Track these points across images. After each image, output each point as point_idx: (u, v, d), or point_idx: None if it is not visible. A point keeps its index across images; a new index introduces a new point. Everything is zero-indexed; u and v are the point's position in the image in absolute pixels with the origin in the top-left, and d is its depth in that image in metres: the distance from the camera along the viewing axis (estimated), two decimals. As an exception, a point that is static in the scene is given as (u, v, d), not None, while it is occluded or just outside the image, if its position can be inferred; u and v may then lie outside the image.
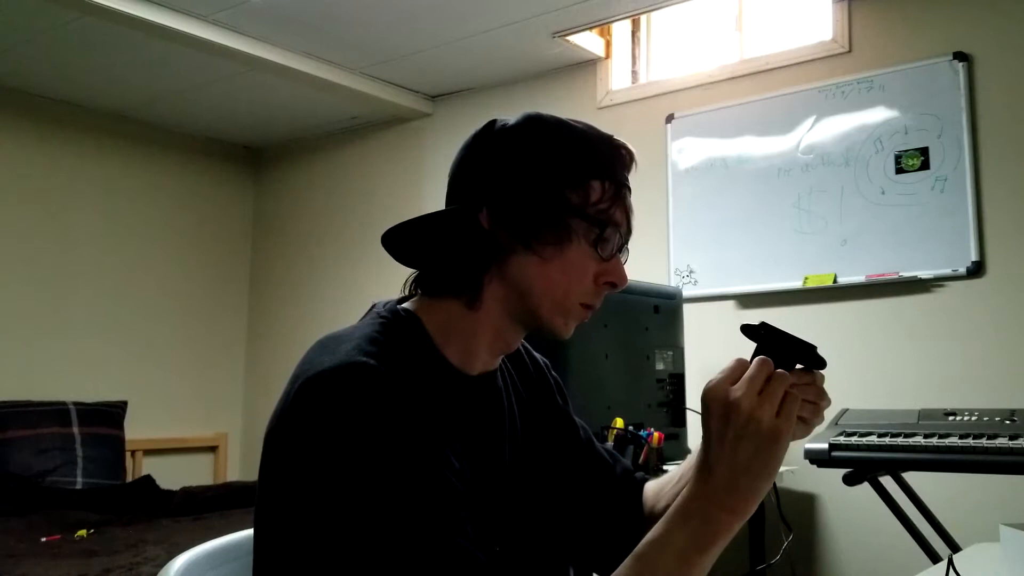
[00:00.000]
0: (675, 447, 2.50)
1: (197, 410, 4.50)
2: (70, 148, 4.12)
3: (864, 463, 2.00)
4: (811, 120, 3.06)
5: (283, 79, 3.71)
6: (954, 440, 1.88)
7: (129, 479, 3.80)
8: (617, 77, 3.62)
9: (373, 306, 0.97)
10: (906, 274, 2.81)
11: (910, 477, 2.29)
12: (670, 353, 2.60)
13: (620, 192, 0.93)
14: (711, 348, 2.88)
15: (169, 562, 0.99)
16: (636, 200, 0.96)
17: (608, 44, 3.62)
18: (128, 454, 3.94)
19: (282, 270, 4.67)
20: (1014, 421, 1.97)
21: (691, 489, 0.78)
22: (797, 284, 3.01)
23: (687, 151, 3.33)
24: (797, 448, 2.03)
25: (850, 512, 2.84)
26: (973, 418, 2.03)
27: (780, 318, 2.71)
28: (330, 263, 4.45)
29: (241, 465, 4.62)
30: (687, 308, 2.80)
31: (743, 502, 0.77)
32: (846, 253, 2.93)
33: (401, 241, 0.95)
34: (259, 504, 0.86)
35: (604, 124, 1.00)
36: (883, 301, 2.87)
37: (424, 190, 4.09)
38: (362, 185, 4.38)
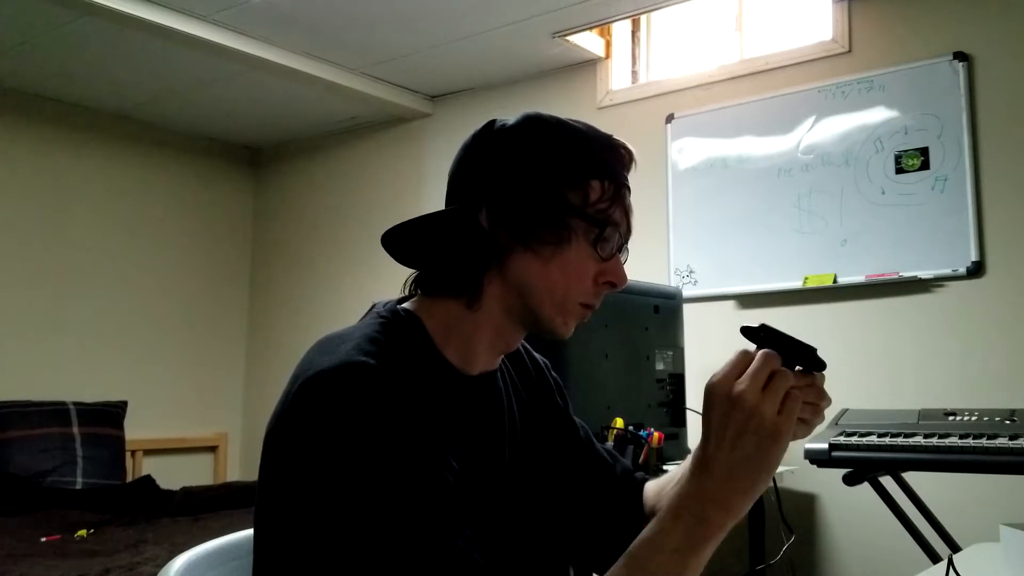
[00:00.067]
0: (675, 447, 2.50)
1: (197, 410, 4.50)
2: (70, 148, 4.12)
3: (864, 463, 2.00)
4: (811, 120, 3.06)
5: (283, 79, 3.71)
6: (954, 440, 1.88)
7: (129, 479, 3.80)
8: (617, 77, 3.62)
9: (373, 306, 0.97)
10: (906, 274, 2.81)
11: (910, 477, 2.29)
12: (670, 353, 2.60)
13: (620, 192, 0.93)
14: (711, 348, 2.88)
15: (169, 562, 0.99)
16: (636, 200, 0.96)
17: (608, 44, 3.62)
18: (128, 454, 3.94)
19: (282, 270, 4.67)
20: (1014, 421, 1.97)
21: (685, 486, 0.78)
22: (797, 284, 3.01)
23: (687, 151, 3.33)
24: (797, 448, 2.03)
25: (850, 512, 2.84)
26: (973, 418, 2.03)
27: (780, 318, 2.72)
28: (330, 263, 4.45)
29: (241, 465, 4.62)
30: (687, 308, 2.80)
31: (739, 499, 0.76)
32: (846, 253, 2.93)
33: (401, 241, 0.95)
34: (259, 504, 0.86)
35: (604, 124, 1.00)
36: (883, 301, 2.87)
37: (424, 190, 4.09)
38: (362, 185, 4.38)
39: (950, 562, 1.13)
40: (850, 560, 2.85)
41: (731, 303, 3.18)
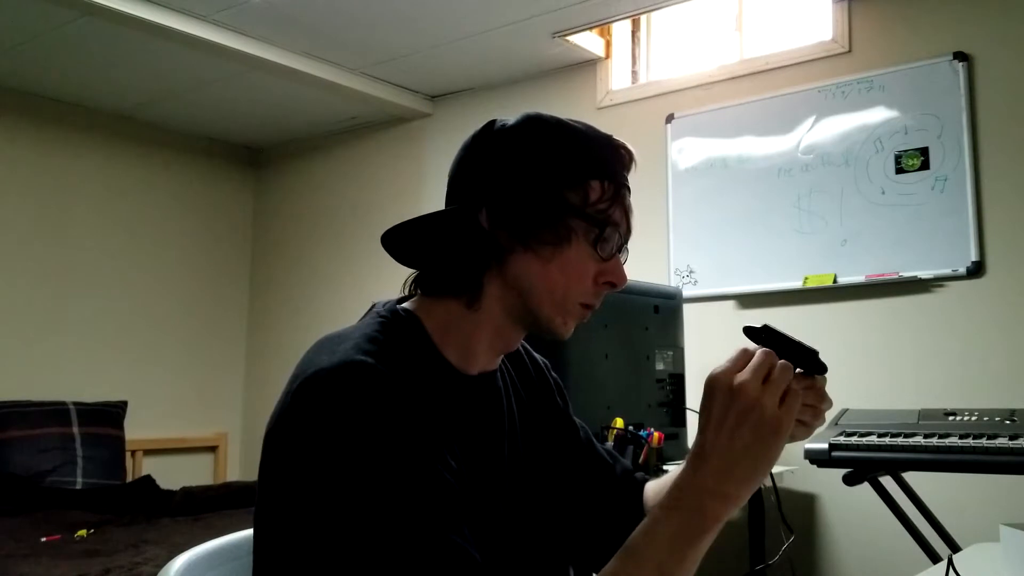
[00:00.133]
0: (675, 447, 2.50)
1: (197, 410, 4.50)
2: (70, 148, 4.12)
3: (864, 463, 2.00)
4: (811, 120, 3.06)
5: (283, 79, 3.71)
6: (954, 440, 1.88)
7: (129, 479, 3.80)
8: (617, 77, 3.62)
9: (373, 306, 0.97)
10: (906, 274, 2.81)
11: (910, 477, 2.29)
12: (670, 353, 2.60)
13: (619, 192, 0.93)
14: (711, 348, 2.88)
15: (169, 562, 0.99)
16: (636, 200, 0.96)
17: (608, 44, 3.62)
18: (128, 454, 3.94)
19: (282, 270, 4.67)
20: (1014, 421, 1.97)
21: (682, 477, 0.78)
22: (797, 284, 3.01)
23: (687, 151, 3.33)
24: (797, 448, 2.04)
25: (850, 512, 2.84)
26: (973, 418, 2.03)
27: (780, 318, 2.72)
28: (330, 263, 4.45)
29: (241, 465, 4.62)
30: (687, 308, 2.80)
31: (736, 490, 0.76)
32: (846, 253, 2.93)
33: (401, 241, 0.95)
34: (259, 504, 0.86)
35: (604, 124, 1.00)
36: (883, 301, 2.87)
37: (424, 190, 4.09)
38: (362, 185, 4.38)
39: (950, 562, 1.13)
40: (850, 560, 2.85)
41: (731, 303, 3.18)
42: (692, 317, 2.89)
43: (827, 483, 2.85)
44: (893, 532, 2.25)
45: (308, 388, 0.82)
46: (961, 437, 1.89)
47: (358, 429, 0.78)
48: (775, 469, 2.29)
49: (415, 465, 0.78)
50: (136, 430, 4.04)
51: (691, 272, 3.26)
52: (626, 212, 0.94)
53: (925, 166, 2.81)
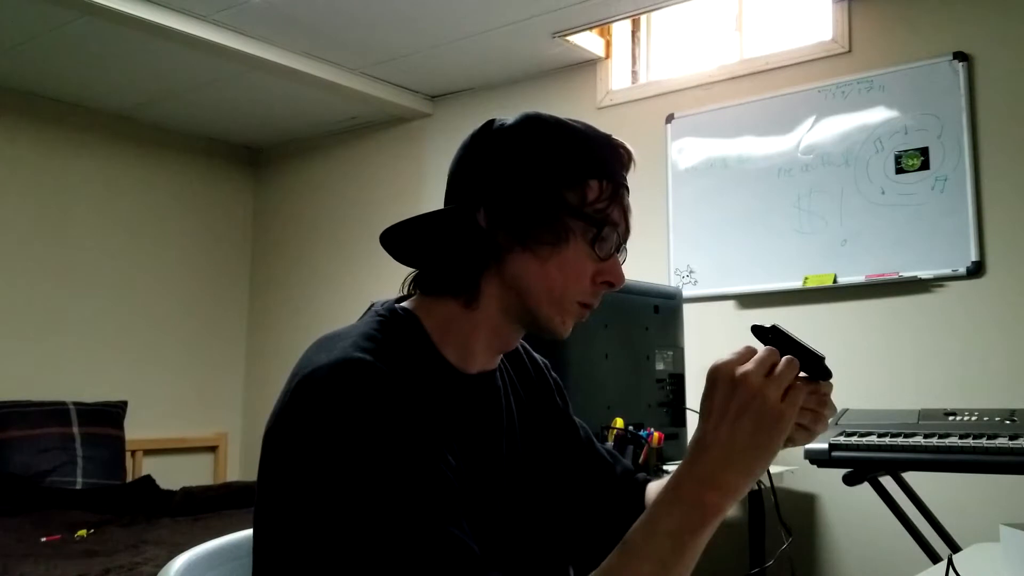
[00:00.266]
0: (675, 447, 2.50)
1: (197, 410, 4.50)
2: (70, 148, 4.12)
3: (864, 463, 2.00)
4: (811, 120, 3.06)
5: (283, 79, 3.71)
6: (954, 440, 1.88)
7: (129, 479, 3.80)
8: (617, 77, 3.62)
9: (372, 305, 0.98)
10: (906, 274, 2.81)
11: (910, 477, 2.29)
12: (670, 353, 2.60)
13: (618, 192, 0.93)
14: (711, 348, 2.87)
15: (169, 562, 0.99)
16: (636, 200, 0.96)
17: (608, 44, 3.62)
18: (128, 454, 3.94)
19: (282, 270, 4.67)
20: (1014, 421, 1.97)
21: (682, 470, 0.77)
22: (797, 284, 3.01)
23: (687, 151, 3.33)
24: (797, 448, 2.04)
25: (850, 512, 2.84)
26: (973, 418, 2.03)
27: (780, 318, 2.71)
28: (330, 263, 4.45)
29: (241, 465, 4.62)
30: (687, 308, 2.80)
31: (736, 481, 0.75)
32: (846, 253, 2.93)
33: (399, 240, 0.95)
34: (258, 502, 0.86)
35: (604, 124, 1.00)
36: (883, 301, 2.87)
37: (424, 190, 4.09)
38: (362, 185, 4.38)
39: (950, 562, 1.13)
40: (850, 560, 2.85)
41: (731, 303, 3.18)
42: (692, 317, 2.89)
43: (827, 483, 2.85)
44: (893, 532, 2.25)
45: (306, 386, 0.82)
46: (961, 437, 1.89)
47: (356, 426, 0.78)
48: (774, 469, 2.29)
49: (414, 460, 0.78)
50: (136, 430, 4.04)
51: (691, 272, 3.26)
52: (624, 212, 0.94)
53: (925, 166, 2.81)
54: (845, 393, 2.55)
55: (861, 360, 2.87)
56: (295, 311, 4.56)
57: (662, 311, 2.58)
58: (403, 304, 0.96)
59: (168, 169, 4.49)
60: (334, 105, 4.07)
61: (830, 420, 0.86)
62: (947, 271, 2.75)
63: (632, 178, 0.97)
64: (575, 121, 0.95)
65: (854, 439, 2.00)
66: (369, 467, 0.77)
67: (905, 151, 2.86)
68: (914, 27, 2.91)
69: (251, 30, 3.38)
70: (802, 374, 0.79)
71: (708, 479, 0.75)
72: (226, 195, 4.75)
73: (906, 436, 1.96)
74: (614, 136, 0.96)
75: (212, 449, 4.54)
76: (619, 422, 2.27)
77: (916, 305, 2.81)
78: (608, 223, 0.92)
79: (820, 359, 0.79)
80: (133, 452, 4.07)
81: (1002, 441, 1.83)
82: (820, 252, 2.98)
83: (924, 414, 2.12)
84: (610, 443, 2.23)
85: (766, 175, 3.13)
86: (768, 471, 0.82)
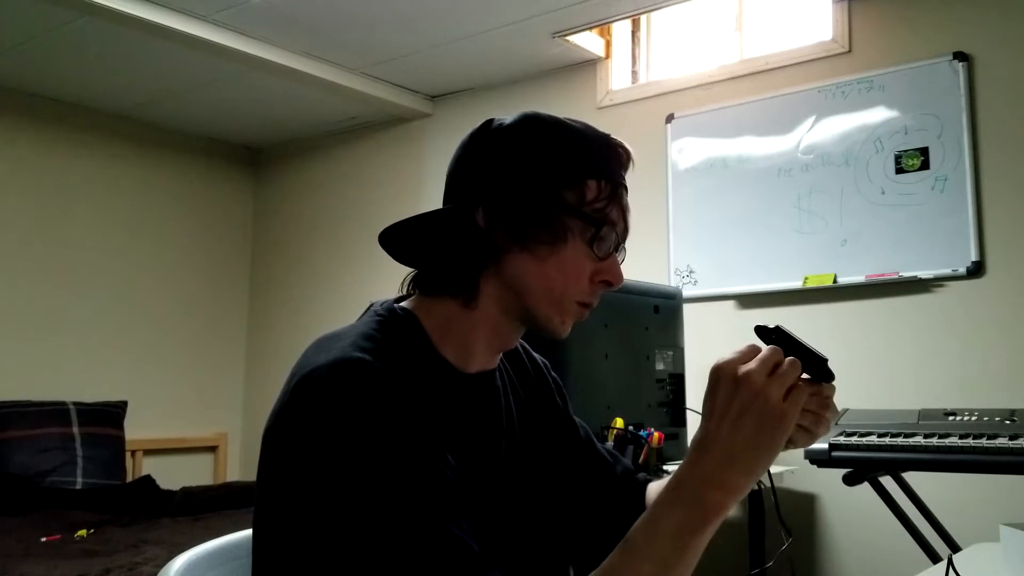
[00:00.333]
0: (675, 447, 2.50)
1: (197, 410, 4.50)
2: (70, 148, 4.12)
3: (864, 463, 2.00)
4: (811, 120, 3.06)
5: (283, 79, 3.71)
6: (954, 440, 1.88)
7: (129, 479, 3.80)
8: (617, 77, 3.62)
9: (371, 305, 0.98)
10: (906, 274, 2.81)
11: (910, 477, 2.29)
12: (670, 353, 2.60)
13: (616, 191, 0.93)
14: (711, 348, 2.88)
15: (169, 562, 0.99)
16: (636, 200, 0.96)
17: (608, 44, 3.62)
18: (128, 454, 3.94)
19: (282, 270, 4.67)
20: (1014, 421, 1.97)
21: (683, 469, 0.77)
22: (797, 284, 3.01)
23: (687, 151, 3.33)
24: (797, 448, 2.03)
25: (850, 512, 2.84)
26: (973, 418, 2.03)
27: (780, 318, 2.71)
28: (330, 263, 4.45)
29: (241, 465, 4.62)
30: (687, 308, 2.80)
31: (737, 480, 0.75)
32: (846, 253, 2.93)
33: (398, 240, 0.95)
34: (258, 502, 0.86)
35: (604, 124, 0.99)
36: (883, 301, 2.87)
37: (424, 190, 4.09)
38: (362, 185, 4.38)
39: (950, 562, 1.13)
40: (850, 560, 2.85)
41: (731, 303, 3.18)
42: (692, 317, 2.89)
43: (827, 483, 2.85)
44: (893, 532, 2.25)
45: (305, 386, 0.82)
46: (961, 437, 1.89)
47: (356, 425, 0.78)
48: (774, 469, 2.29)
49: (413, 460, 0.78)
50: (136, 430, 4.04)
51: (691, 272, 3.26)
52: (623, 211, 0.94)
53: (925, 166, 2.81)
54: (845, 393, 2.55)
55: (861, 360, 2.87)
56: (295, 311, 4.56)
57: (662, 311, 2.58)
58: (402, 304, 0.96)
59: (168, 169, 4.49)
60: (334, 105, 4.07)
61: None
62: (947, 271, 2.75)
63: (632, 178, 0.97)
64: (574, 121, 0.95)
65: (854, 439, 2.00)
66: (368, 466, 0.77)
67: (905, 151, 2.86)
68: (914, 27, 2.91)
69: (251, 30, 3.38)
70: (804, 376, 0.78)
71: (710, 478, 0.75)
72: (226, 195, 4.75)
73: (906, 436, 1.96)
74: (613, 136, 0.96)
75: (212, 449, 4.54)
76: (619, 422, 2.27)
77: (916, 305, 2.81)
78: (607, 222, 0.91)
79: (823, 361, 0.79)
80: (133, 452, 4.07)
81: (1002, 441, 1.83)
82: (820, 252, 2.98)
83: (924, 414, 2.12)
84: (610, 443, 2.23)
85: (766, 175, 3.13)
86: (768, 471, 0.82)
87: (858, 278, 2.90)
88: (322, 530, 0.78)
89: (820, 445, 2.02)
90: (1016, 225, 2.67)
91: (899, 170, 2.86)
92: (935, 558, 2.15)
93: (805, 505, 2.93)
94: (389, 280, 1.13)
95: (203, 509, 3.24)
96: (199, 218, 4.61)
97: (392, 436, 0.78)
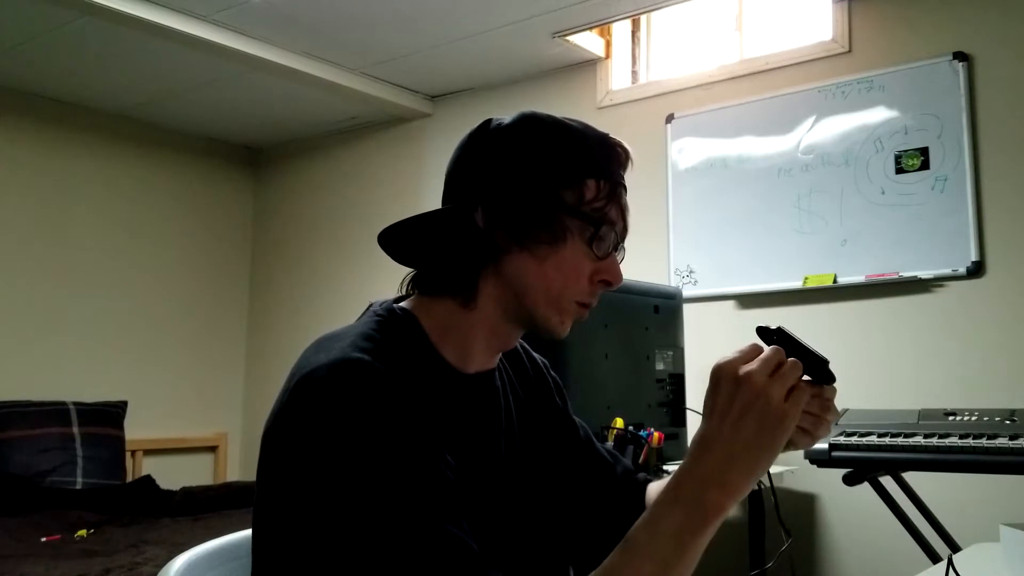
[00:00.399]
0: (675, 447, 2.50)
1: (197, 410, 4.50)
2: (70, 148, 4.12)
3: (864, 463, 2.00)
4: (811, 120, 3.06)
5: (283, 79, 3.71)
6: (954, 440, 1.88)
7: (129, 479, 3.80)
8: (617, 77, 3.62)
9: (370, 305, 0.98)
10: (906, 274, 2.81)
11: (910, 477, 2.29)
12: (670, 353, 2.60)
13: (615, 191, 0.93)
14: (711, 348, 2.88)
15: (169, 562, 0.99)
16: (636, 200, 0.96)
17: (608, 44, 3.62)
18: (128, 454, 3.94)
19: (282, 270, 4.67)
20: (1014, 421, 1.96)
21: (684, 468, 0.77)
22: (797, 284, 3.01)
23: (687, 151, 3.33)
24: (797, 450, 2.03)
25: (850, 512, 2.84)
26: (973, 418, 2.03)
27: (780, 318, 2.72)
28: (330, 263, 4.45)
29: (241, 465, 4.62)
30: (687, 308, 2.80)
31: (738, 480, 0.74)
32: (846, 253, 2.93)
33: (397, 240, 0.95)
34: (257, 503, 0.86)
35: (604, 124, 0.99)
36: (883, 301, 2.87)
37: (424, 190, 4.09)
38: (362, 185, 4.38)
39: (950, 562, 1.13)
40: (850, 560, 2.85)
41: (731, 303, 3.18)
42: (692, 317, 2.89)
43: (827, 483, 2.85)
44: (893, 532, 2.25)
45: (305, 386, 0.82)
46: (961, 437, 1.89)
47: (355, 426, 0.78)
48: (774, 469, 2.30)
49: (412, 460, 0.78)
50: (136, 430, 4.04)
51: (691, 272, 3.26)
52: (622, 211, 0.94)
53: (925, 166, 2.81)
54: (845, 393, 2.55)
55: (861, 360, 2.87)
56: (295, 311, 4.56)
57: (662, 311, 2.58)
58: (401, 304, 0.96)
59: (168, 169, 4.49)
60: (334, 105, 4.07)
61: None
62: (947, 271, 2.75)
63: (632, 178, 0.96)
64: (572, 120, 0.95)
65: (854, 439, 2.00)
66: (368, 467, 0.77)
67: (905, 151, 2.86)
68: (914, 27, 2.91)
69: (251, 30, 3.38)
70: (805, 377, 0.78)
71: (710, 479, 0.75)
72: (226, 195, 4.75)
73: (906, 436, 1.96)
74: (612, 135, 0.96)
75: (212, 449, 4.54)
76: (619, 422, 2.27)
77: (916, 305, 2.81)
78: (606, 222, 0.91)
79: (824, 363, 0.79)
80: (133, 452, 4.07)
81: (1002, 441, 1.83)
82: (820, 252, 2.98)
83: (924, 414, 2.12)
84: (610, 443, 2.23)
85: (766, 175, 3.13)
86: (768, 471, 0.82)
87: (858, 278, 2.89)
88: (322, 530, 0.78)
89: (820, 445, 2.02)
90: (1016, 225, 2.67)
91: (899, 170, 2.86)
92: (935, 558, 2.15)
93: (805, 505, 2.93)
94: (389, 280, 1.13)
95: (203, 509, 3.25)
96: (199, 218, 4.61)
97: (391, 436, 0.78)
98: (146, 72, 3.72)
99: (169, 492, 3.44)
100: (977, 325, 2.70)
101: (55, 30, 3.28)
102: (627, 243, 0.97)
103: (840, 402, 0.87)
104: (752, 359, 0.76)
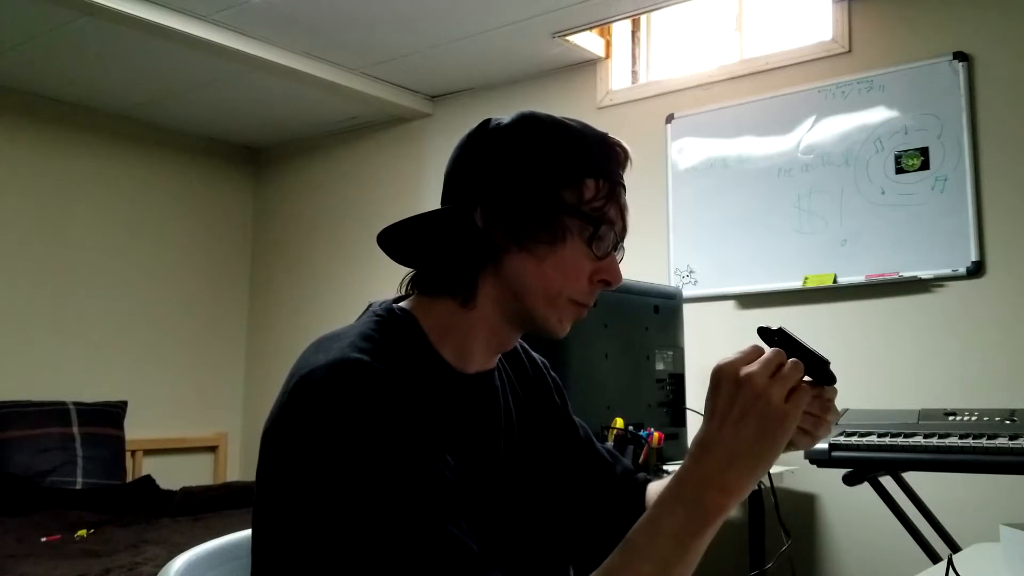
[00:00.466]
0: (675, 447, 2.50)
1: (197, 410, 4.50)
2: (70, 148, 4.12)
3: (864, 463, 2.00)
4: (811, 120, 3.06)
5: (283, 79, 3.71)
6: (954, 440, 1.88)
7: (129, 479, 3.80)
8: (617, 77, 3.62)
9: (369, 306, 0.98)
10: (906, 274, 2.81)
11: (910, 477, 2.29)
12: (670, 353, 2.60)
13: (615, 190, 0.93)
14: (711, 348, 2.88)
15: (169, 562, 0.99)
16: (636, 200, 0.96)
17: (608, 44, 3.62)
18: (128, 454, 3.94)
19: (282, 270, 4.68)
20: (1014, 421, 1.96)
21: (685, 469, 0.77)
22: (797, 284, 3.01)
23: (687, 151, 3.33)
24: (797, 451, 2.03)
25: (850, 512, 2.84)
26: (973, 418, 2.03)
27: (780, 318, 2.72)
28: (330, 263, 4.45)
29: (241, 465, 4.62)
30: (687, 308, 2.80)
31: (739, 482, 0.74)
32: (846, 253, 2.93)
33: (397, 240, 0.95)
34: (257, 503, 0.86)
35: (604, 124, 0.99)
36: (883, 301, 2.87)
37: (424, 190, 4.09)
38: (362, 185, 4.38)
39: (950, 562, 1.13)
40: (850, 560, 2.85)
41: (731, 303, 3.18)
42: (692, 317, 2.89)
43: (827, 483, 2.85)
44: (893, 532, 2.25)
45: (304, 386, 0.82)
46: (961, 437, 1.89)
47: (354, 426, 0.78)
48: (774, 470, 2.29)
49: (412, 460, 0.78)
50: (136, 430, 4.04)
51: (691, 272, 3.26)
52: (621, 210, 0.93)
53: (925, 166, 2.81)
54: (845, 393, 2.55)
55: (861, 360, 2.87)
56: (295, 311, 4.56)
57: (662, 311, 2.58)
58: (401, 304, 0.96)
59: (168, 169, 4.49)
60: (334, 105, 4.07)
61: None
62: (947, 271, 2.75)
63: (632, 178, 0.96)
64: (571, 120, 0.95)
65: (854, 439, 2.00)
66: (367, 467, 0.77)
67: (905, 151, 2.86)
68: (914, 27, 2.91)
69: (251, 30, 3.38)
70: (806, 378, 0.78)
71: (711, 479, 0.75)
72: (226, 195, 4.75)
73: (906, 436, 1.96)
74: (611, 135, 0.96)
75: (212, 449, 4.54)
76: (619, 422, 2.27)
77: (916, 305, 2.81)
78: (605, 222, 0.91)
79: (825, 364, 0.79)
80: (133, 452, 4.07)
81: (1002, 441, 1.83)
82: (820, 252, 2.98)
83: (924, 414, 2.12)
84: (610, 443, 2.23)
85: (766, 175, 3.13)
86: (768, 471, 0.82)
87: (858, 278, 2.89)
88: (321, 531, 0.78)
89: (820, 445, 2.02)
90: (1016, 225, 2.67)
91: (899, 170, 2.86)
92: (935, 558, 2.15)
93: (805, 505, 2.93)
94: (389, 280, 1.13)
95: (203, 509, 3.25)
96: (199, 218, 4.61)
97: (391, 436, 0.78)
98: (146, 72, 3.72)
99: (169, 492, 3.44)
100: (977, 325, 2.70)
101: (55, 30, 3.28)
102: (627, 243, 0.97)
103: (840, 402, 0.87)
104: (753, 360, 0.76)
